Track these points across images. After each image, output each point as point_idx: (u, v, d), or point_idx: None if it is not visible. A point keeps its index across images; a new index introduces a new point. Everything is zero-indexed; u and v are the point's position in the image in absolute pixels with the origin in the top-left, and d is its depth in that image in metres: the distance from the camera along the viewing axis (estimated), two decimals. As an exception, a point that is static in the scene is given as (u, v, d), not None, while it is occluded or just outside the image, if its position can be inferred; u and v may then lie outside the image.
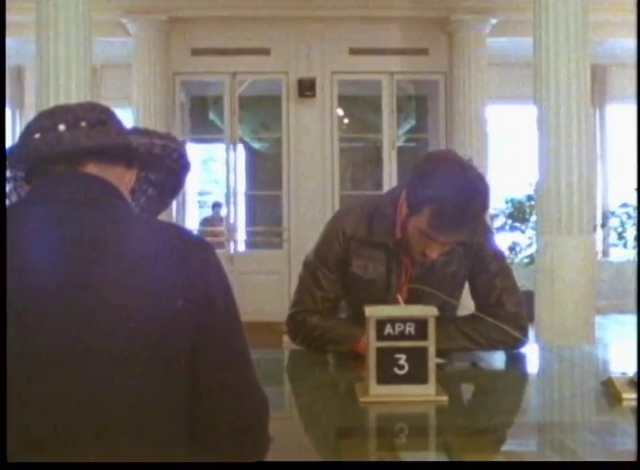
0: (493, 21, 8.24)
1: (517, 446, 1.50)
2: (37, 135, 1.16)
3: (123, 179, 1.21)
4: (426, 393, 1.64)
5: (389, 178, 8.73)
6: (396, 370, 1.63)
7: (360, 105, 9.70)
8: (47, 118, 1.19)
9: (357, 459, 1.36)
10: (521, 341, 2.18)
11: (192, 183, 9.90)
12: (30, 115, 9.40)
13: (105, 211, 1.14)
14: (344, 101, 8.98)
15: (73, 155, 1.16)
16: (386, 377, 1.63)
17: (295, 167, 8.65)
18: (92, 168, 1.17)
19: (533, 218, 7.99)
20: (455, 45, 8.37)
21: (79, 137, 1.15)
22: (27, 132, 1.19)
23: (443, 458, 1.34)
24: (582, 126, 5.42)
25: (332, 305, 2.23)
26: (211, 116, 9.93)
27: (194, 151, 10.37)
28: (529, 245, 8.50)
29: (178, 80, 8.69)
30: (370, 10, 8.20)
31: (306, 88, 8.41)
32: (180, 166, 1.28)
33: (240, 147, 9.37)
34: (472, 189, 1.95)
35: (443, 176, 1.96)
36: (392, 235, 2.13)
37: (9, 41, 8.42)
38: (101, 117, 1.20)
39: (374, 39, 8.47)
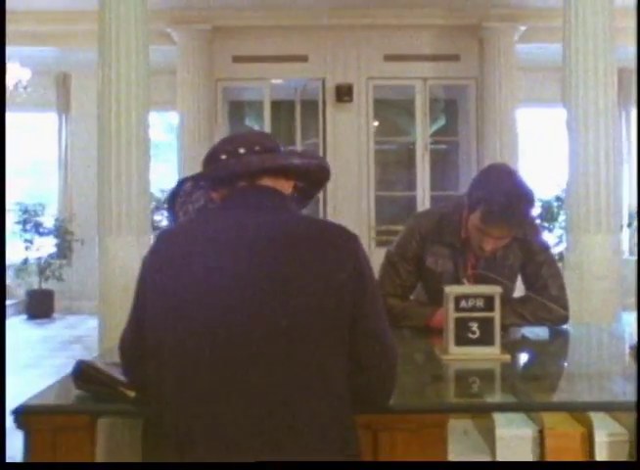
0: (523, 27, 8.56)
1: (566, 387, 1.93)
2: (223, 156, 1.57)
3: (284, 188, 1.60)
4: (493, 352, 2.09)
5: (422, 180, 9.06)
6: (470, 335, 2.09)
7: (393, 108, 10.02)
8: (229, 144, 1.61)
9: (446, 400, 1.77)
10: (564, 317, 2.63)
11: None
12: (76, 118, 9.92)
13: (284, 214, 1.53)
14: (378, 104, 9.26)
15: (256, 172, 1.55)
16: (461, 340, 2.09)
17: (332, 170, 8.95)
18: (266, 181, 1.57)
19: (561, 218, 8.29)
20: (486, 51, 8.70)
21: (265, 160, 1.56)
22: (215, 154, 1.60)
23: (510, 398, 1.75)
24: (610, 128, 5.62)
25: (407, 292, 2.70)
26: (248, 121, 10.28)
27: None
28: (557, 243, 8.83)
29: (220, 86, 9.05)
30: (404, 18, 8.56)
31: (344, 93, 8.78)
32: (324, 177, 1.69)
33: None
34: (516, 193, 2.40)
35: (495, 182, 2.44)
36: (459, 236, 2.58)
37: (54, 50, 8.91)
38: (271, 143, 1.61)
39: (408, 46, 8.81)
